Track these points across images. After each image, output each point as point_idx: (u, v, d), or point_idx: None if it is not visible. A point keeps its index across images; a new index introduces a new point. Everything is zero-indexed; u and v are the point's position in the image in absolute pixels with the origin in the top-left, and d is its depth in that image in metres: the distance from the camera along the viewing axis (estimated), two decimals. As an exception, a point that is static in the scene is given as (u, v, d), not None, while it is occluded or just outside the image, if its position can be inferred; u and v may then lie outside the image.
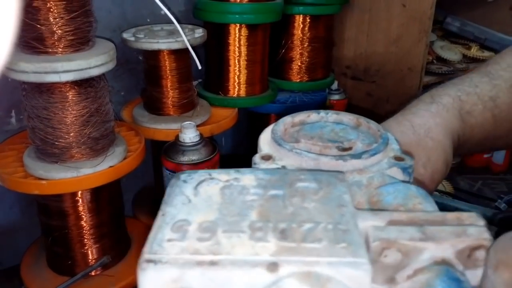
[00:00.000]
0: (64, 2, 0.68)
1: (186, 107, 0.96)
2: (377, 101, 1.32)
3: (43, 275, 0.83)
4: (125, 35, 0.89)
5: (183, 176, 0.32)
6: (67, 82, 0.70)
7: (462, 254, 0.26)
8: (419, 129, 0.46)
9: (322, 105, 1.20)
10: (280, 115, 1.14)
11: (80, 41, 0.72)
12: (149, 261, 0.24)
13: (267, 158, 0.36)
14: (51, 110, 0.71)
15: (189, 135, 0.83)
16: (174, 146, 0.84)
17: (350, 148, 0.37)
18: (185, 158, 0.83)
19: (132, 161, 0.79)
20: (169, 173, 0.84)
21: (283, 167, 0.35)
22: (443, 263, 0.26)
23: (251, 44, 1.01)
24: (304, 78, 1.19)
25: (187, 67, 0.94)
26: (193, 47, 0.89)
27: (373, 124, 0.40)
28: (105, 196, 0.81)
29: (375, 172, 0.35)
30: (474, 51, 1.53)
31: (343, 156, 0.35)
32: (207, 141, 0.86)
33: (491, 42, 1.52)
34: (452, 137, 0.47)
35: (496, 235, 0.78)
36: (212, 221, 0.27)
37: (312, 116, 0.42)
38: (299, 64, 1.18)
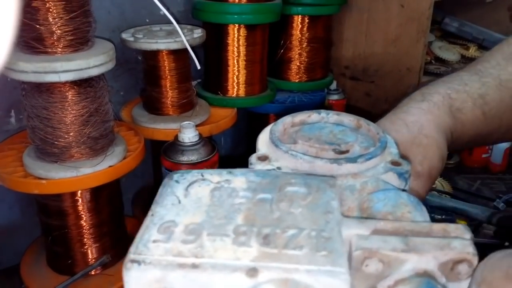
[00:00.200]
0: (63, 2, 0.68)
1: (185, 107, 0.96)
2: (376, 101, 1.32)
3: (43, 274, 0.83)
4: (124, 35, 0.90)
5: (175, 176, 0.32)
6: (66, 82, 0.70)
7: (445, 266, 0.26)
8: (412, 126, 0.46)
9: (321, 105, 1.20)
10: (279, 115, 1.15)
11: (80, 41, 0.72)
12: (134, 261, 0.25)
13: (263, 158, 0.36)
14: (51, 110, 0.71)
15: (188, 135, 0.83)
16: (173, 146, 0.85)
17: (347, 151, 0.37)
18: (184, 158, 0.83)
19: (131, 160, 0.80)
20: (168, 173, 0.84)
21: (278, 168, 0.35)
22: (425, 275, 0.26)
23: (250, 44, 1.01)
24: (303, 78, 1.20)
25: (186, 67, 0.95)
26: (192, 47, 0.89)
27: (373, 127, 0.40)
28: (104, 196, 0.81)
29: (370, 177, 0.35)
30: (472, 52, 1.53)
31: (338, 159, 0.35)
32: (206, 141, 0.87)
33: (489, 42, 1.52)
34: (445, 133, 0.48)
35: (494, 234, 0.78)
36: (199, 223, 0.27)
37: (313, 116, 0.43)
38: (298, 64, 1.18)
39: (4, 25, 0.16)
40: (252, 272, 0.24)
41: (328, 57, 1.25)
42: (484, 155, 1.32)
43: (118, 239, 0.86)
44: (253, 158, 0.36)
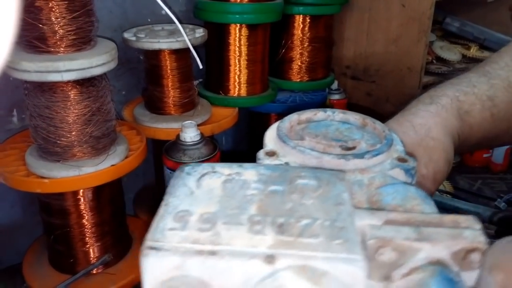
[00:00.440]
0: (66, 2, 0.68)
1: (187, 107, 0.97)
2: (377, 101, 1.33)
3: (45, 273, 0.83)
4: (126, 35, 0.90)
5: (187, 169, 0.32)
6: (69, 81, 0.70)
7: (457, 255, 0.27)
8: (419, 129, 0.46)
9: (322, 105, 1.20)
10: (280, 114, 1.15)
11: (82, 41, 0.72)
12: (151, 248, 0.25)
13: (271, 154, 0.36)
14: (53, 109, 0.71)
15: (190, 134, 0.84)
16: (175, 145, 0.85)
17: (353, 148, 0.37)
18: (186, 157, 0.83)
19: (133, 160, 0.80)
20: (170, 172, 0.85)
21: (286, 163, 0.35)
22: (438, 263, 0.27)
23: (251, 44, 1.02)
24: (304, 78, 1.20)
25: (188, 67, 0.95)
26: (194, 47, 0.89)
27: (378, 125, 0.40)
28: (106, 195, 0.81)
29: (377, 172, 0.35)
30: (474, 51, 1.53)
31: (346, 155, 0.35)
32: (208, 140, 0.87)
33: (491, 42, 1.52)
34: (452, 136, 0.47)
35: (495, 233, 0.79)
36: (213, 212, 0.28)
37: (319, 114, 0.43)
38: (299, 64, 1.18)
39: (5, 24, 0.16)
40: (270, 259, 0.24)
41: (329, 57, 1.25)
42: (485, 155, 1.32)
43: (119, 238, 0.87)
44: (261, 154, 0.37)
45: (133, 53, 1.01)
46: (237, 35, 1.00)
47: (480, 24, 1.56)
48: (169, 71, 0.92)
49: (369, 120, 0.41)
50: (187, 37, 0.87)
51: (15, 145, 0.82)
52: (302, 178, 0.31)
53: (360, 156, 0.35)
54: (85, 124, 0.74)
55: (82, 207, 0.79)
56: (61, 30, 0.69)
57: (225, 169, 0.32)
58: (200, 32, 0.93)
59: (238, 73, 1.04)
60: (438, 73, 1.37)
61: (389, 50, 1.25)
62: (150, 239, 0.25)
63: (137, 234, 0.94)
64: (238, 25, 0.99)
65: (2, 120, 0.88)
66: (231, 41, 1.01)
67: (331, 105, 1.27)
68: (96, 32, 0.76)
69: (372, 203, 0.32)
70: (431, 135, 0.45)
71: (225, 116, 1.00)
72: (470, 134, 0.50)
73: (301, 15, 1.14)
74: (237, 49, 1.01)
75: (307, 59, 1.18)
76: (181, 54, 0.91)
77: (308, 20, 1.15)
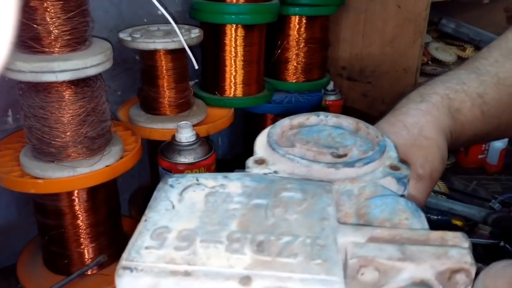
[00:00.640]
0: (61, 2, 0.68)
1: (182, 107, 0.96)
2: (373, 101, 1.33)
3: (40, 274, 0.83)
4: (122, 35, 0.90)
5: (170, 180, 0.32)
6: (63, 82, 0.70)
7: (442, 276, 0.26)
8: (412, 128, 0.45)
9: (318, 105, 1.20)
10: (276, 115, 1.15)
11: (77, 41, 0.72)
12: (126, 268, 0.25)
13: (260, 162, 0.36)
14: (48, 110, 0.71)
15: (185, 135, 0.83)
16: (170, 145, 0.85)
17: (345, 155, 0.37)
18: (181, 158, 0.83)
19: (128, 160, 0.80)
20: (165, 173, 0.84)
21: (275, 172, 0.35)
22: (422, 284, 0.26)
23: (247, 45, 1.01)
24: (300, 78, 1.20)
25: (184, 67, 0.95)
26: (189, 47, 0.89)
27: (372, 130, 0.39)
28: (101, 196, 0.81)
29: (368, 182, 0.34)
30: (469, 53, 1.54)
31: (336, 164, 0.34)
32: (203, 141, 0.87)
33: (486, 43, 1.51)
34: (445, 134, 0.47)
35: (490, 234, 0.79)
36: (192, 229, 0.27)
37: (311, 118, 0.42)
38: (295, 64, 1.18)
39: (4, 25, 0.16)
40: (245, 280, 0.24)
41: (325, 58, 1.26)
42: (480, 156, 1.32)
43: (114, 239, 0.86)
44: (250, 162, 0.36)
45: (129, 53, 1.01)
46: (233, 35, 1.00)
47: (475, 25, 1.57)
48: (164, 71, 0.92)
49: (362, 125, 0.40)
50: (183, 37, 0.87)
51: (9, 146, 0.82)
52: (288, 190, 0.31)
53: (351, 164, 0.34)
54: (80, 124, 0.73)
55: (76, 207, 0.79)
56: (56, 30, 0.69)
57: (210, 181, 0.32)
58: (195, 33, 0.93)
59: (234, 73, 1.04)
60: (434, 74, 1.37)
61: (385, 51, 1.26)
62: (125, 258, 0.25)
63: (132, 235, 0.93)
64: (234, 25, 0.99)
65: (-4, 120, 0.88)
66: (227, 41, 1.01)
67: (327, 106, 1.27)
68: (91, 32, 0.75)
69: (359, 216, 0.31)
70: (424, 134, 0.45)
71: (221, 117, 1.00)
72: (461, 131, 0.50)
73: (297, 16, 1.14)
74: (233, 49, 1.01)
75: (303, 60, 1.18)
76: (177, 54, 0.91)
77: (304, 21, 1.15)
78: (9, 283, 0.87)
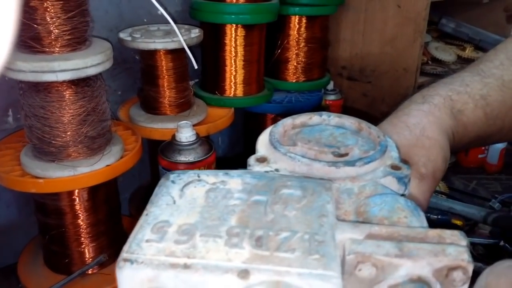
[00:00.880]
0: (61, 2, 0.68)
1: (182, 107, 0.97)
2: (373, 101, 1.33)
3: (40, 273, 0.83)
4: (122, 35, 0.90)
5: (172, 176, 0.32)
6: (64, 81, 0.70)
7: (439, 273, 0.26)
8: (414, 128, 0.45)
9: (318, 105, 1.21)
10: (276, 115, 1.15)
11: (77, 41, 0.72)
12: (126, 260, 0.25)
13: (262, 160, 0.36)
14: (48, 109, 0.71)
15: (186, 135, 0.84)
16: (170, 145, 0.85)
17: (346, 154, 0.37)
18: (181, 157, 0.83)
19: (128, 160, 0.80)
20: (165, 172, 0.84)
21: (277, 170, 0.35)
22: (419, 281, 0.26)
23: (247, 44, 1.02)
24: (300, 78, 1.20)
25: (184, 67, 0.95)
26: (189, 47, 0.89)
27: (374, 130, 0.39)
28: (101, 195, 0.81)
29: (368, 181, 0.34)
30: (469, 52, 1.54)
31: (336, 162, 0.35)
32: (204, 140, 0.87)
33: (486, 43, 1.53)
34: (447, 134, 0.47)
35: (490, 233, 0.79)
36: (192, 224, 0.28)
37: (314, 118, 0.42)
38: (295, 64, 1.19)
39: (5, 25, 0.16)
40: (244, 273, 0.24)
41: (325, 57, 1.26)
42: (480, 156, 1.32)
43: (115, 239, 0.87)
44: (251, 160, 0.36)
45: (129, 53, 1.01)
46: (233, 35, 1.00)
47: (475, 25, 1.57)
48: (164, 71, 0.92)
49: (364, 125, 0.40)
50: (183, 37, 0.87)
51: (10, 145, 0.82)
52: (288, 187, 0.31)
53: (351, 163, 0.34)
54: (80, 124, 0.74)
55: (77, 207, 0.79)
56: (56, 30, 0.69)
57: (211, 177, 0.32)
58: (195, 33, 0.93)
59: (234, 73, 1.04)
60: (434, 74, 1.37)
61: (385, 51, 1.26)
62: (126, 251, 0.26)
63: (132, 234, 0.93)
64: (234, 25, 0.99)
65: (-3, 120, 0.88)
66: (227, 41, 1.01)
67: (327, 106, 1.27)
68: (91, 32, 0.76)
69: (359, 213, 0.32)
70: (426, 134, 0.45)
71: (221, 116, 1.00)
72: (464, 133, 0.50)
73: (297, 16, 1.14)
74: (233, 49, 1.01)
75: (303, 60, 1.18)
76: (177, 54, 0.91)
77: (304, 21, 1.15)
78: (10, 283, 0.87)
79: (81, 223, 0.80)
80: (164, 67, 0.92)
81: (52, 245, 0.82)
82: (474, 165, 1.33)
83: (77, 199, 0.78)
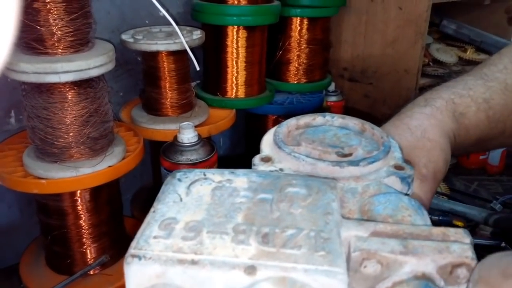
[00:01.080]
0: (63, 4, 0.68)
1: (184, 108, 0.97)
2: (374, 102, 1.33)
3: (42, 274, 0.84)
4: (124, 37, 0.90)
5: (178, 175, 0.33)
6: (66, 83, 0.71)
7: (444, 270, 0.26)
8: (415, 130, 0.46)
9: (319, 106, 1.21)
10: (277, 116, 1.16)
11: (80, 42, 0.72)
12: (134, 256, 0.25)
13: (266, 160, 0.36)
14: (51, 110, 0.72)
15: (187, 136, 0.84)
16: (172, 146, 0.85)
17: (350, 154, 0.37)
18: (183, 158, 0.83)
19: (130, 161, 0.80)
20: (167, 173, 0.85)
21: (281, 169, 0.35)
22: (424, 278, 0.26)
23: (249, 46, 1.02)
24: (302, 79, 1.20)
25: (185, 68, 0.95)
26: (191, 49, 0.90)
27: (377, 131, 0.40)
28: (104, 196, 0.81)
29: (372, 180, 0.35)
30: (470, 54, 1.54)
31: (341, 162, 0.35)
32: (205, 141, 0.87)
33: (487, 44, 1.53)
34: (448, 137, 0.47)
35: (491, 235, 0.79)
36: (199, 221, 0.28)
37: (318, 119, 0.42)
38: (297, 65, 1.19)
39: (5, 25, 0.16)
40: (250, 269, 0.24)
41: (327, 59, 1.26)
42: (481, 157, 1.33)
43: (117, 239, 0.87)
44: (256, 159, 0.36)
45: (131, 54, 1.01)
46: (235, 37, 1.01)
47: (476, 26, 1.57)
48: (166, 72, 0.92)
49: (368, 126, 0.41)
50: (185, 39, 0.88)
51: (12, 146, 0.82)
52: (293, 186, 0.31)
53: (355, 163, 0.35)
54: (83, 125, 0.74)
55: (79, 208, 0.79)
56: (59, 32, 0.69)
57: (217, 176, 0.32)
58: (197, 34, 0.94)
59: (235, 74, 1.04)
60: (435, 75, 1.37)
61: (386, 52, 1.26)
62: (134, 247, 0.26)
63: (134, 235, 0.94)
64: (236, 27, 0.99)
65: (0, 121, 0.88)
66: (229, 43, 1.01)
67: (328, 107, 1.27)
68: (94, 33, 0.76)
69: (363, 212, 0.32)
70: (427, 136, 0.45)
71: (223, 118, 1.00)
72: (466, 136, 0.50)
73: (298, 17, 1.14)
74: (234, 51, 1.02)
75: (305, 61, 1.19)
76: (179, 55, 0.92)
77: (306, 22, 1.15)
78: (12, 283, 0.87)
79: (83, 223, 0.80)
80: (166, 69, 0.92)
81: (54, 246, 0.82)
82: (475, 166, 1.33)
83: (79, 199, 0.79)
